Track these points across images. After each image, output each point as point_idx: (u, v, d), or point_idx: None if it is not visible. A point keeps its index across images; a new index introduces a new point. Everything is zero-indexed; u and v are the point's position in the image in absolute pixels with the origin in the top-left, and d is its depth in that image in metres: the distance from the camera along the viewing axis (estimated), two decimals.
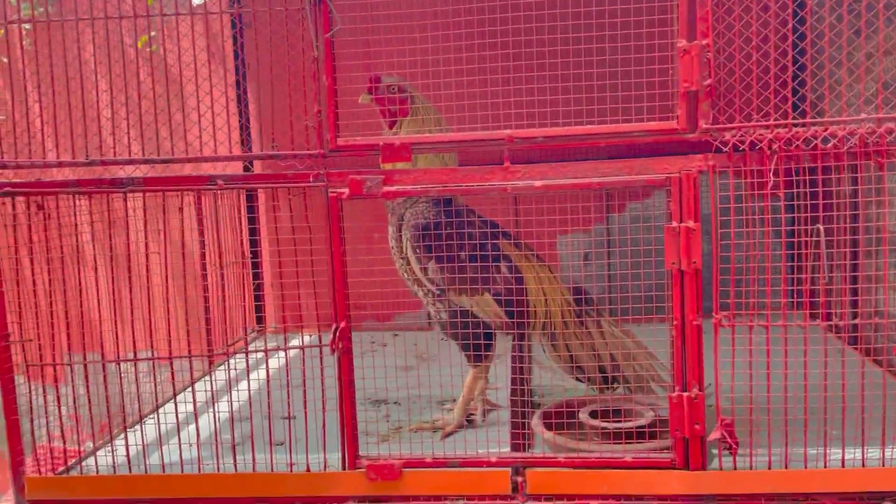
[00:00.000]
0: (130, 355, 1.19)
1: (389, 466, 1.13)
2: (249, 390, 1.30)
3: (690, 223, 1.03)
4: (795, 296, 1.18)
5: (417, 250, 1.34)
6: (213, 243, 1.66)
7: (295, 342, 1.87)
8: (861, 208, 1.38)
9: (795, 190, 1.04)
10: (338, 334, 1.10)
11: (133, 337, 1.18)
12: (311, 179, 1.08)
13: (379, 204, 1.27)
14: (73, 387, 1.18)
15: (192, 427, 1.20)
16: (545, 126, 1.08)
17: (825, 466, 1.06)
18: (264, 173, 1.12)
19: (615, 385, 1.39)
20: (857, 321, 1.53)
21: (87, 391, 1.19)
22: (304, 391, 1.13)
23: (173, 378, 1.31)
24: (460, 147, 1.13)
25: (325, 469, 1.15)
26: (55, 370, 1.17)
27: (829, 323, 1.28)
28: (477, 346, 1.38)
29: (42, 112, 1.14)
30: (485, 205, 1.53)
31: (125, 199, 1.10)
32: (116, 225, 1.23)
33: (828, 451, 1.07)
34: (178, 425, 1.19)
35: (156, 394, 1.23)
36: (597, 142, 1.06)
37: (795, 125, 1.01)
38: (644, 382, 1.36)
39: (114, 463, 1.20)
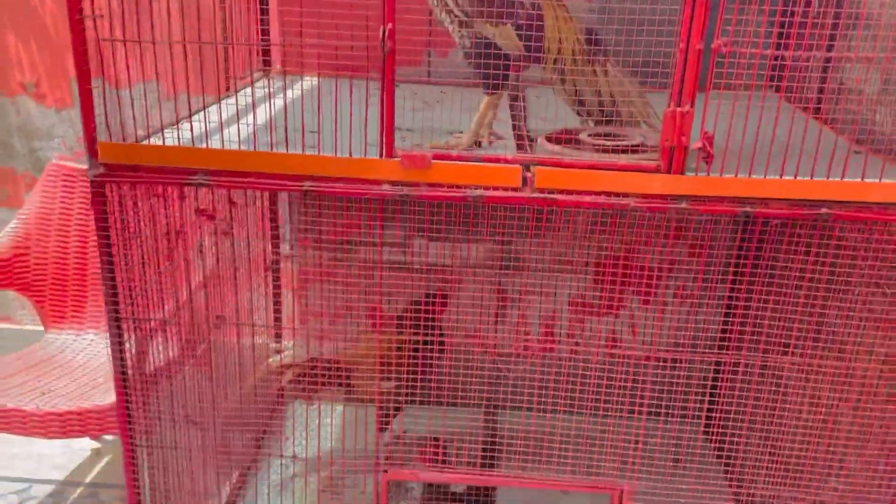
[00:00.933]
0: None
1: (422, 156, 1.33)
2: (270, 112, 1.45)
3: None
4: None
5: None
6: None
7: (297, 84, 2.00)
8: None
9: None
10: (387, 34, 1.25)
11: None
12: None
13: None
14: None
15: (229, 130, 1.37)
16: None
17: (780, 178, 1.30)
18: None
19: (612, 120, 1.58)
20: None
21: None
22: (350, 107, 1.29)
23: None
24: None
25: (365, 156, 1.35)
26: (157, 72, 1.29)
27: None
28: (495, 76, 1.54)
29: None
30: None
31: None
32: None
33: (783, 175, 1.31)
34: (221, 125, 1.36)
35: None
36: None
37: None
38: (637, 120, 1.55)
39: (162, 139, 1.37)
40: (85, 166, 2.34)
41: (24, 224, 2.30)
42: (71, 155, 2.46)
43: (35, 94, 2.39)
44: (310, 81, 2.04)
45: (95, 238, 2.34)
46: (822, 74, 1.84)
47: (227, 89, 1.89)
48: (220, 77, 1.82)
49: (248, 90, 1.88)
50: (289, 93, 1.81)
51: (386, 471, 1.50)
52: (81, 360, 2.25)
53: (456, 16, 1.50)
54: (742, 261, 1.55)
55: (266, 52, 2.17)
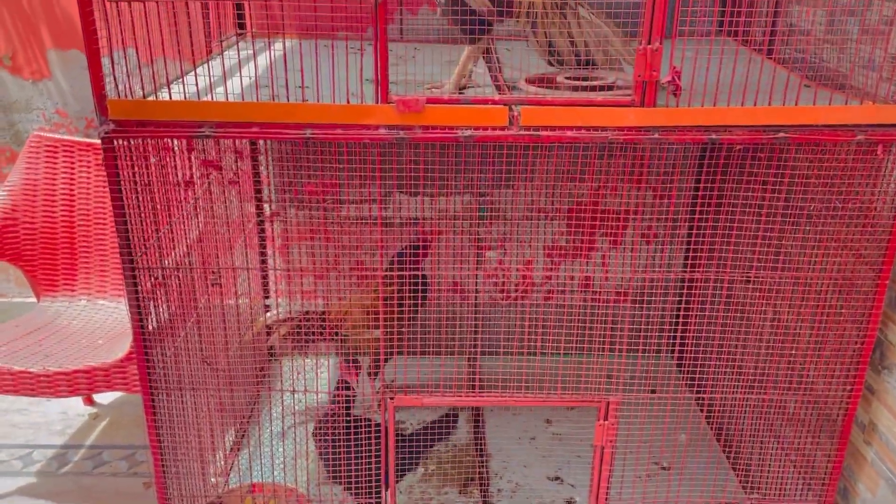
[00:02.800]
0: None
1: (415, 100, 1.43)
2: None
3: None
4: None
5: None
6: None
7: (277, 46, 2.08)
8: None
9: None
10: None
11: None
12: None
13: None
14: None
15: (222, 87, 1.45)
16: None
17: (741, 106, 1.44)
18: None
19: (587, 64, 1.70)
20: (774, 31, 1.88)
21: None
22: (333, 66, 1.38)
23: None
24: None
25: (362, 102, 1.44)
26: (135, 39, 1.36)
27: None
28: (472, 28, 1.64)
29: None
30: None
31: None
32: None
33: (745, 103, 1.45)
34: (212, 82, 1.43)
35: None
36: None
37: None
38: (616, 62, 1.67)
39: (169, 95, 1.45)
40: (65, 136, 2.38)
41: (9, 195, 2.34)
42: (50, 126, 2.49)
43: (11, 68, 2.41)
44: (288, 43, 2.11)
45: (81, 206, 2.39)
46: (773, 18, 1.98)
47: (209, 52, 1.96)
48: (201, 42, 1.89)
49: (231, 53, 1.95)
50: (271, 53, 1.89)
51: (392, 398, 1.62)
52: (78, 325, 2.31)
53: None
54: (706, 191, 1.70)
55: (241, 17, 2.24)
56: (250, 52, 2.01)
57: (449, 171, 2.41)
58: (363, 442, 1.74)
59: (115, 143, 1.43)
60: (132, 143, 1.44)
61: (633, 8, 1.55)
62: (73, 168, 2.39)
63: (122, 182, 1.46)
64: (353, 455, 1.75)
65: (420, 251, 2.24)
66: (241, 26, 2.30)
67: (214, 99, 1.44)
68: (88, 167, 2.39)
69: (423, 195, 2.49)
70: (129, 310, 1.54)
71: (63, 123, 2.49)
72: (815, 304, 1.73)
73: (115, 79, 1.41)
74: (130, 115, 1.42)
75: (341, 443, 1.74)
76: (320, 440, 1.85)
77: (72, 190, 2.39)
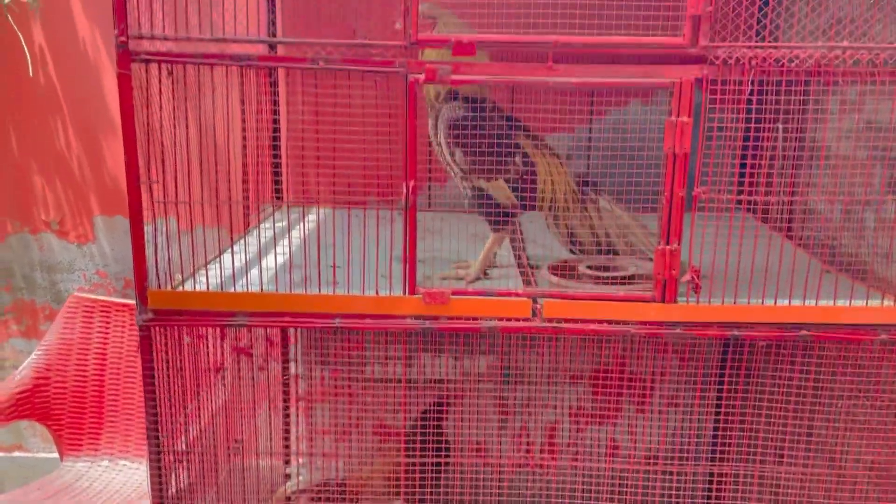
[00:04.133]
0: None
1: (441, 293, 1.48)
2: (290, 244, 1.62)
3: (685, 118, 1.37)
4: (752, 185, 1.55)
5: (448, 140, 1.66)
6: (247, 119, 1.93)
7: (311, 216, 2.18)
8: (808, 123, 1.75)
9: (763, 98, 1.39)
10: (410, 189, 1.42)
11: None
12: (395, 65, 1.38)
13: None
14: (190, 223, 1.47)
15: (256, 268, 1.51)
16: (572, 32, 1.39)
17: (762, 303, 1.46)
18: (357, 58, 1.39)
19: (609, 254, 1.75)
20: (793, 209, 1.93)
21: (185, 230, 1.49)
22: (364, 240, 1.45)
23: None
24: (514, 47, 1.43)
25: (390, 294, 1.49)
26: (177, 208, 1.46)
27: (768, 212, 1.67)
28: (497, 219, 1.72)
29: None
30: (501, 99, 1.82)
31: (241, 72, 1.36)
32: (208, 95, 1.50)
33: (764, 299, 1.47)
34: (246, 263, 1.51)
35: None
36: (619, 50, 1.38)
37: (769, 46, 1.35)
38: (636, 250, 1.71)
39: (207, 285, 1.51)
40: (102, 297, 2.46)
41: (45, 354, 2.40)
42: (89, 286, 2.59)
43: (58, 231, 2.54)
44: (321, 212, 2.21)
45: (112, 365, 2.44)
46: (791, 199, 2.04)
47: (247, 221, 2.06)
48: (239, 211, 1.99)
49: (267, 224, 2.04)
50: (304, 227, 1.97)
51: None
52: (97, 487, 2.29)
53: (456, 171, 1.69)
54: (732, 376, 1.69)
55: (278, 185, 2.36)
56: (285, 223, 2.10)
57: (473, 336, 2.43)
58: None
59: (152, 330, 1.48)
60: (167, 330, 1.50)
61: (653, 195, 1.61)
62: (108, 327, 2.46)
63: (156, 365, 1.50)
64: None
65: (443, 412, 2.23)
66: (279, 191, 2.43)
67: (249, 285, 1.50)
68: (123, 326, 2.46)
69: (447, 355, 2.51)
70: (151, 490, 1.54)
71: (102, 283, 2.58)
72: (850, 494, 1.68)
73: (156, 263, 1.48)
74: (169, 304, 1.48)
75: None
76: None
77: (104, 349, 2.45)
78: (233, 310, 1.48)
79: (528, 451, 2.59)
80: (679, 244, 1.44)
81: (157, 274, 1.48)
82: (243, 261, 1.64)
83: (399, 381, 2.50)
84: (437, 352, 2.48)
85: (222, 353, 1.56)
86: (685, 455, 2.39)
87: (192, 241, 1.54)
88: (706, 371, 2.30)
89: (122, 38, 1.34)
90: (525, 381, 2.52)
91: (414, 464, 2.03)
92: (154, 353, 1.49)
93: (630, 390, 2.47)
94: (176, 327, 1.50)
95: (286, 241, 1.89)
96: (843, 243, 1.83)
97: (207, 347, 1.51)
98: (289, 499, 2.20)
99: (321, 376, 2.50)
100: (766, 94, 1.38)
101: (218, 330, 1.54)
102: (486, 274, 1.78)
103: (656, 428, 2.50)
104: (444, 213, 2.40)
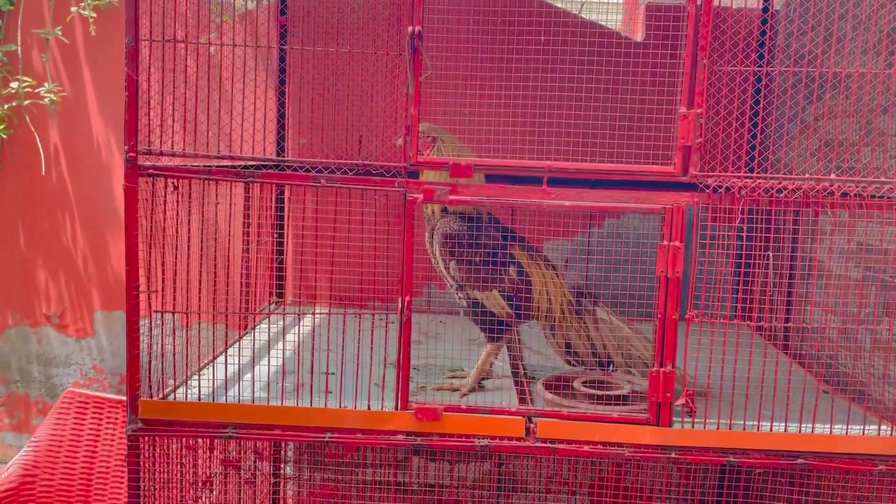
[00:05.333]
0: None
1: (433, 409, 1.47)
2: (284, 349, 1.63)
3: (677, 243, 1.39)
4: (746, 303, 1.56)
5: (443, 252, 1.69)
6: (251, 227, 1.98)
7: (308, 315, 2.18)
8: (799, 243, 1.78)
9: (754, 226, 1.42)
10: (406, 304, 1.43)
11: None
12: (395, 185, 1.42)
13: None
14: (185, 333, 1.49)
15: (251, 373, 1.51)
16: (566, 158, 1.44)
17: (758, 430, 1.44)
18: (359, 176, 1.43)
19: (606, 367, 1.74)
20: (788, 326, 1.93)
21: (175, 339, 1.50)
22: (359, 349, 1.46)
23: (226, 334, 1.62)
24: (508, 171, 1.48)
25: (382, 409, 1.48)
26: (174, 317, 1.47)
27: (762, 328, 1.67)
28: (492, 329, 1.73)
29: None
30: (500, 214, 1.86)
31: (246, 187, 1.40)
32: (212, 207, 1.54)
33: (760, 422, 1.46)
34: (239, 370, 1.51)
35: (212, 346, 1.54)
36: (612, 176, 1.42)
37: (758, 177, 1.39)
38: (634, 363, 1.70)
39: (199, 394, 1.51)
40: (97, 392, 2.45)
41: (34, 451, 2.36)
42: (85, 380, 2.57)
43: (58, 325, 2.55)
44: (320, 312, 2.22)
45: (102, 461, 2.40)
46: (786, 316, 2.05)
47: (246, 326, 2.07)
48: (241, 310, 2.00)
49: (265, 325, 2.05)
50: (299, 330, 1.97)
51: None
52: None
53: (451, 282, 1.72)
54: (730, 501, 1.66)
55: (281, 286, 2.38)
56: (282, 324, 2.11)
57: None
58: None
59: (141, 440, 1.47)
60: (156, 440, 1.48)
61: (650, 302, 1.61)
62: (100, 423, 2.43)
63: (142, 476, 1.47)
64: None
65: None
66: (280, 293, 2.44)
67: (241, 393, 1.49)
68: (115, 423, 2.43)
69: (442, 461, 2.46)
70: None
71: (98, 378, 2.57)
72: None
73: (150, 375, 1.48)
74: (159, 414, 1.47)
75: None
76: None
77: (95, 447, 2.41)
78: (223, 421, 1.47)
79: None
80: (673, 367, 1.44)
81: (150, 378, 1.48)
82: (237, 366, 1.64)
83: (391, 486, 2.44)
84: (430, 458, 2.43)
85: (210, 465, 1.54)
86: None
87: (188, 339, 1.54)
88: (703, 494, 2.25)
89: (132, 154, 1.38)
90: (521, 491, 2.46)
91: None
92: (141, 464, 1.47)
93: None
94: (165, 437, 1.49)
95: (281, 346, 1.88)
96: (840, 362, 1.82)
97: (195, 459, 1.49)
98: None
99: (312, 479, 2.45)
100: (757, 221, 1.41)
101: (207, 441, 1.52)
102: (480, 385, 1.77)
103: None
104: (443, 314, 2.41)
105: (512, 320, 1.73)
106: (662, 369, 1.43)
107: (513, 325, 1.77)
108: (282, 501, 2.16)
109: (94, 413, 2.44)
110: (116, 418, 2.45)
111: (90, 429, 2.43)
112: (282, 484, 2.15)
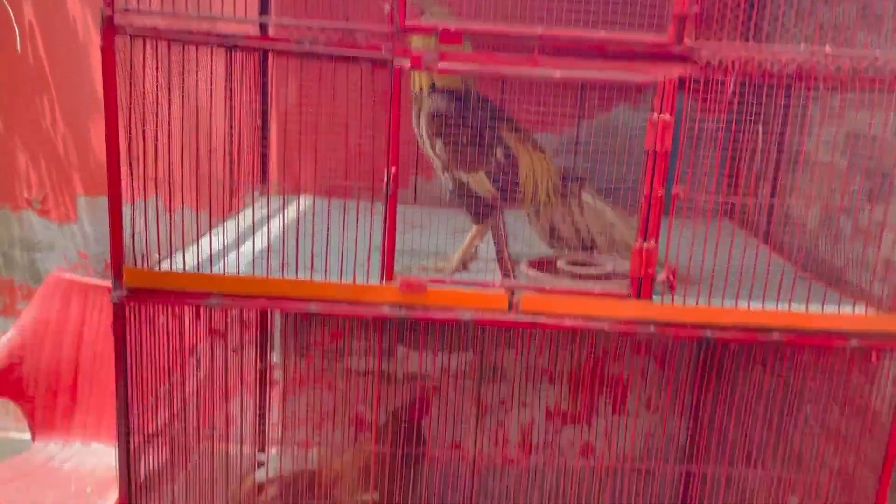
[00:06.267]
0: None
1: (419, 283, 1.48)
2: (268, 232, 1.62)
3: (667, 116, 1.38)
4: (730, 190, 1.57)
5: (429, 132, 1.66)
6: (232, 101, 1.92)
7: (293, 204, 2.18)
8: (788, 127, 1.77)
9: (744, 108, 1.40)
10: (391, 176, 1.42)
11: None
12: (381, 51, 1.38)
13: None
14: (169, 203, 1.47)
15: (235, 251, 1.51)
16: (558, 26, 1.39)
17: (735, 307, 1.47)
18: (344, 42, 1.39)
19: (590, 250, 1.75)
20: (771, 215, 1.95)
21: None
22: (344, 230, 1.46)
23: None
24: (498, 39, 1.44)
25: (367, 281, 1.49)
26: (156, 186, 1.45)
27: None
28: (477, 211, 1.72)
29: None
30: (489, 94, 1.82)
31: (228, 53, 1.35)
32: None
33: (738, 301, 1.48)
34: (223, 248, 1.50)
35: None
36: (605, 45, 1.39)
37: (753, 49, 1.36)
38: (618, 247, 1.71)
39: (184, 266, 1.51)
40: (83, 278, 2.45)
41: (20, 333, 2.37)
42: (69, 266, 2.57)
43: (40, 210, 2.52)
44: (305, 201, 2.21)
45: (87, 347, 2.42)
46: (769, 205, 2.06)
47: (231, 209, 2.05)
48: (224, 195, 1.98)
49: (250, 210, 2.04)
50: (288, 212, 1.97)
51: None
52: (68, 469, 2.27)
53: (438, 162, 1.70)
54: (705, 376, 1.70)
55: (265, 173, 2.35)
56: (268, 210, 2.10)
57: (451, 329, 2.44)
58: None
59: (126, 308, 1.47)
60: (142, 308, 1.49)
61: (636, 196, 1.62)
62: (85, 309, 2.44)
63: (128, 344, 1.49)
64: None
65: (418, 410, 2.23)
66: (264, 180, 2.42)
67: (227, 268, 1.49)
68: (100, 309, 2.44)
69: (426, 350, 2.51)
70: (119, 469, 1.53)
71: (82, 264, 2.57)
72: (816, 499, 1.69)
73: (133, 242, 1.48)
74: (144, 283, 1.47)
75: None
76: None
77: (81, 330, 2.43)
78: (209, 290, 1.47)
79: (502, 448, 2.60)
80: (656, 242, 1.45)
81: (134, 252, 1.47)
82: (222, 245, 1.64)
83: (375, 373, 2.50)
84: (414, 346, 2.48)
85: (196, 335, 1.56)
86: (657, 456, 2.40)
87: (172, 222, 1.53)
88: (678, 372, 2.31)
89: (108, 12, 1.33)
90: (502, 379, 2.52)
91: (387, 456, 2.03)
92: (127, 332, 1.48)
93: (606, 391, 2.48)
94: (151, 306, 1.49)
95: (266, 229, 1.88)
96: (819, 249, 1.85)
97: (181, 328, 1.50)
98: (259, 487, 2.19)
99: (298, 365, 2.49)
100: (748, 97, 1.39)
101: (193, 310, 1.53)
102: (465, 266, 1.78)
103: (632, 428, 2.51)
104: (429, 207, 2.41)
105: (498, 202, 1.73)
106: (645, 244, 1.44)
107: (498, 208, 1.76)
108: (268, 373, 2.20)
109: (79, 297, 2.45)
110: (102, 304, 2.46)
111: (76, 313, 2.45)
112: (267, 359, 2.18)
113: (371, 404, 2.52)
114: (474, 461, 2.58)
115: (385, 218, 1.46)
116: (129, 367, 1.50)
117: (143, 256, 1.49)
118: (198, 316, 1.51)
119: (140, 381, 1.50)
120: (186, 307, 1.51)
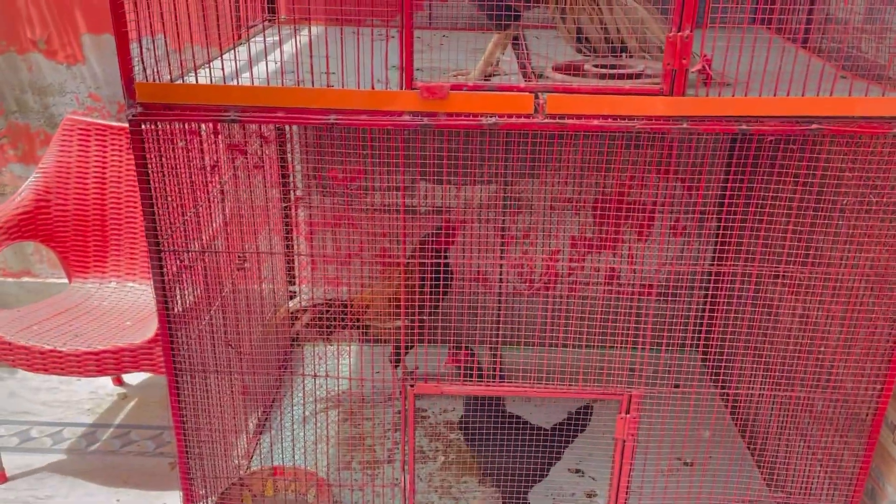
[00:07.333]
0: None
1: (440, 86, 1.42)
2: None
3: None
4: None
5: None
6: None
7: (304, 33, 2.08)
8: None
9: None
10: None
11: None
12: None
13: None
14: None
15: (248, 71, 1.46)
16: None
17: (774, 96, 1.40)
18: None
19: (619, 53, 1.67)
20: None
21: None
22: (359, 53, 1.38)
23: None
24: None
25: (387, 88, 1.44)
26: (163, 22, 1.37)
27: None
28: (500, 16, 1.63)
29: None
30: None
31: None
32: None
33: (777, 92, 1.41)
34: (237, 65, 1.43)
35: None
36: None
37: None
38: (649, 48, 1.63)
39: (197, 80, 1.46)
40: (98, 120, 2.41)
41: (43, 177, 2.38)
42: (83, 110, 2.53)
43: (46, 52, 2.45)
44: (315, 30, 2.11)
45: (112, 189, 2.43)
46: (809, 6, 1.93)
47: (237, 39, 1.97)
48: (231, 27, 1.90)
49: (259, 39, 1.95)
50: (298, 40, 1.89)
51: (413, 385, 1.62)
52: (107, 306, 2.35)
53: None
54: (735, 184, 1.66)
55: (272, 2, 2.24)
56: (277, 38, 2.01)
57: (474, 160, 2.40)
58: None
59: (143, 126, 1.44)
60: (159, 126, 1.46)
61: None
62: (105, 151, 2.43)
63: (150, 165, 1.47)
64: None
65: (444, 239, 2.24)
66: (272, 11, 2.31)
67: (240, 84, 1.44)
68: (120, 151, 2.42)
69: (449, 184, 2.49)
70: (155, 293, 1.56)
71: (96, 107, 2.52)
72: (845, 300, 1.69)
73: (143, 63, 1.42)
74: (158, 98, 1.43)
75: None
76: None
77: (104, 173, 2.43)
78: (225, 104, 1.43)
79: (527, 277, 2.63)
80: (692, 31, 1.36)
81: (144, 64, 1.42)
82: (234, 68, 1.57)
83: (400, 209, 2.49)
84: (437, 181, 2.45)
85: (216, 152, 1.53)
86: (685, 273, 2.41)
87: (181, 58, 1.46)
88: (711, 172, 2.26)
89: None
90: (527, 208, 2.51)
91: (415, 287, 2.05)
92: (146, 152, 1.46)
93: (631, 217, 2.47)
94: (167, 123, 1.46)
95: (278, 54, 1.81)
96: (862, 48, 1.74)
97: (201, 145, 1.48)
98: (293, 315, 2.25)
99: (321, 202, 2.49)
100: None
101: (210, 126, 1.49)
102: (487, 79, 1.71)
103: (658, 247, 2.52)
104: (445, 30, 2.30)
105: (522, 4, 1.63)
106: (680, 34, 1.36)
107: (522, 12, 1.66)
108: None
109: (97, 140, 2.43)
110: (121, 146, 2.44)
111: (96, 156, 2.43)
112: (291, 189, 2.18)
113: (396, 240, 2.53)
114: (499, 289, 2.62)
115: (401, 19, 1.39)
116: (153, 189, 1.49)
117: (153, 74, 1.44)
118: (216, 132, 1.48)
119: (164, 202, 1.50)
120: (203, 124, 1.47)
